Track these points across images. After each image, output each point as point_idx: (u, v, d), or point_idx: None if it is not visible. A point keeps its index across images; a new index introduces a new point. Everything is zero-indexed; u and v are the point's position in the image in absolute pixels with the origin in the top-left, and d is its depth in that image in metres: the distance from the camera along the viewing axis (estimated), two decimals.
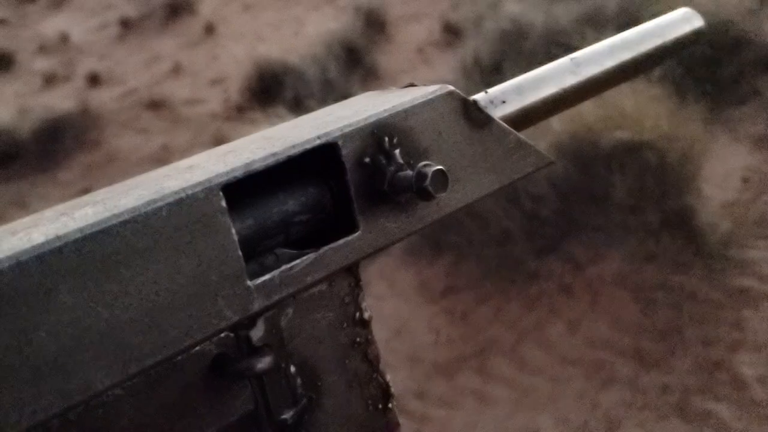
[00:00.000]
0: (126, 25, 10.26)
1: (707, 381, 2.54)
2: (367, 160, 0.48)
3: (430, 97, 0.52)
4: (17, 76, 9.45)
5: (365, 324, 0.51)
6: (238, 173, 0.43)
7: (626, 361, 2.70)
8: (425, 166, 0.48)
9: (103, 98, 7.74)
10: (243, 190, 0.45)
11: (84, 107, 7.25)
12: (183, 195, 0.40)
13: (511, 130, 0.57)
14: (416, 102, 0.51)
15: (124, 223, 0.38)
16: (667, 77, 3.65)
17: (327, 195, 0.49)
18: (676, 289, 2.89)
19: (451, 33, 6.30)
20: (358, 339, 0.51)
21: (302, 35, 7.82)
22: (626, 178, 3.13)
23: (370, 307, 0.52)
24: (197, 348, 0.42)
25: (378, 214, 0.49)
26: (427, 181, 0.47)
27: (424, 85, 0.55)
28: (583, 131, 3.23)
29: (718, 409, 2.44)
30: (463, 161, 0.54)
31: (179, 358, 0.41)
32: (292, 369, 0.47)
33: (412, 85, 0.56)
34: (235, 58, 7.70)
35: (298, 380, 0.47)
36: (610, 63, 0.65)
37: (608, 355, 2.74)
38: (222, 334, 0.43)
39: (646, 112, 3.26)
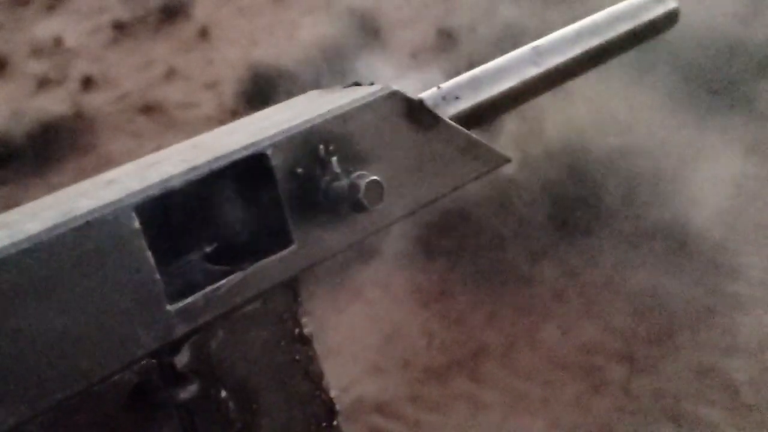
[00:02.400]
0: (120, 28, 10.23)
1: (699, 386, 2.54)
2: (300, 170, 0.45)
3: (370, 99, 0.48)
4: (10, 79, 9.42)
5: (306, 341, 0.48)
6: (154, 191, 0.40)
7: (619, 366, 2.70)
8: (359, 176, 0.45)
9: (96, 102, 7.72)
10: (167, 206, 0.42)
11: (78, 111, 7.23)
12: (90, 218, 0.37)
13: (462, 129, 0.53)
14: (355, 105, 0.48)
15: (26, 251, 0.35)
16: (660, 83, 3.66)
17: (259, 207, 0.45)
18: (669, 294, 2.90)
19: (446, 38, 6.30)
20: (297, 357, 0.48)
21: (296, 39, 7.81)
22: (619, 183, 3.14)
23: (309, 324, 0.49)
24: (115, 378, 0.39)
25: (314, 227, 0.46)
26: (361, 193, 0.44)
27: (368, 84, 0.51)
28: (576, 137, 3.24)
29: (710, 414, 2.44)
30: (408, 166, 0.50)
31: (96, 388, 0.38)
32: (224, 393, 0.44)
33: (356, 84, 0.53)
34: (230, 62, 7.69)
35: (231, 404, 0.44)
36: (575, 51, 0.60)
37: (601, 360, 2.74)
38: (144, 362, 0.40)
39: (638, 118, 3.27)
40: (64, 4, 11.90)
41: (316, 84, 6.19)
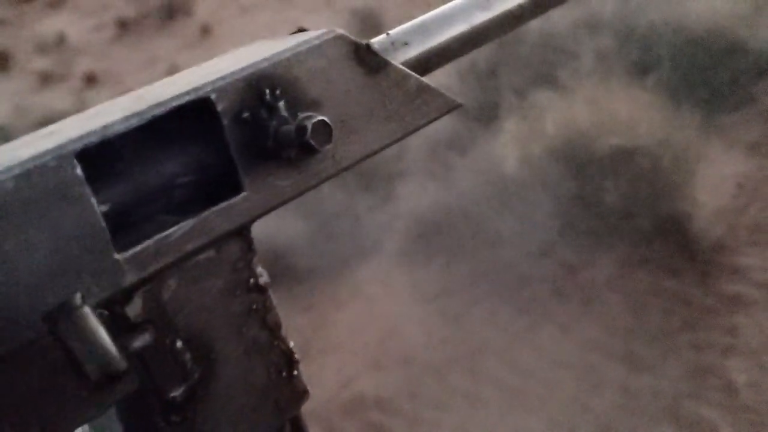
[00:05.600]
0: (123, 25, 10.25)
1: (699, 386, 2.55)
2: (246, 114, 0.44)
3: (316, 42, 0.48)
4: (14, 75, 9.44)
5: (262, 290, 0.48)
6: (94, 138, 0.39)
7: (618, 366, 2.71)
8: (306, 118, 0.45)
9: (99, 98, 7.73)
10: (114, 154, 0.41)
11: (81, 107, 7.22)
12: (31, 165, 0.37)
13: (411, 73, 0.52)
14: (300, 49, 0.47)
15: None
16: (662, 83, 3.67)
17: (209, 155, 0.45)
18: (669, 294, 2.90)
19: None
20: (254, 306, 0.47)
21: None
22: (620, 183, 3.14)
23: (264, 273, 0.48)
24: None
25: (266, 173, 0.45)
26: (308, 134, 0.44)
27: (314, 30, 0.51)
28: (577, 136, 3.24)
29: (709, 414, 2.45)
30: (358, 110, 0.49)
31: (45, 340, 0.37)
32: (179, 343, 0.44)
33: (302, 29, 0.52)
34: None
35: (187, 354, 0.44)
36: None
37: (600, 359, 2.75)
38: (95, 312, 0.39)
39: (640, 118, 3.27)
40: (68, 1, 11.91)
41: None
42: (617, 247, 3.10)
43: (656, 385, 2.59)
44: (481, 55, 5.02)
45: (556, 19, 5.00)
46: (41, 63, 9.51)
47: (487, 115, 3.96)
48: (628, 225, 3.12)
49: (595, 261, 3.10)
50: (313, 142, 0.44)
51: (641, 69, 3.72)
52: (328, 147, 0.45)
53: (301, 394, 0.50)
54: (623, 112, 3.27)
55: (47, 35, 10.53)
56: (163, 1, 10.05)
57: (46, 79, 8.87)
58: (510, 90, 3.96)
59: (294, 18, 8.80)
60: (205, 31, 9.14)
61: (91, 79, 8.43)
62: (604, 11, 4.81)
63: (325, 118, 0.44)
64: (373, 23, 7.10)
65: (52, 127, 0.44)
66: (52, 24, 11.07)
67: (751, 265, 2.94)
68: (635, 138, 3.18)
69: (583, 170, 3.21)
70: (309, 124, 0.44)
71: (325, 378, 2.90)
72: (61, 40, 10.35)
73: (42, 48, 10.18)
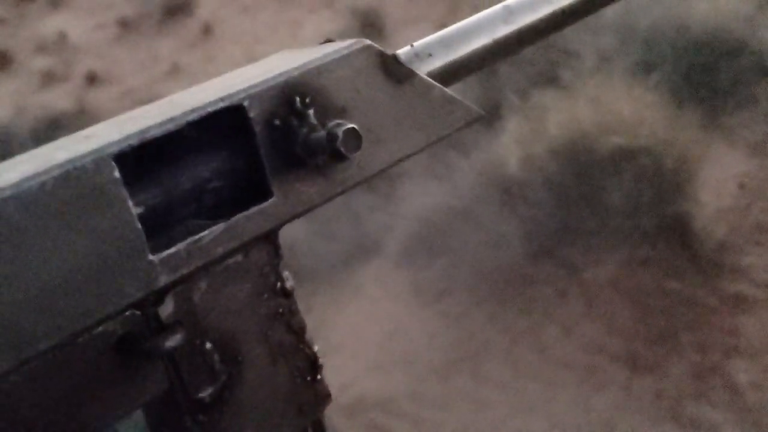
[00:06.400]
0: (124, 25, 10.25)
1: (701, 387, 2.54)
2: (277, 122, 0.46)
3: (344, 52, 0.49)
4: (15, 75, 9.44)
5: (287, 294, 0.49)
6: (132, 141, 0.40)
7: (620, 366, 2.70)
8: (336, 125, 0.46)
9: (101, 98, 7.74)
10: (147, 159, 0.43)
11: (82, 106, 7.24)
12: (70, 167, 0.38)
13: (435, 84, 0.54)
14: (330, 58, 0.49)
15: (5, 200, 0.36)
16: (664, 83, 3.66)
17: (239, 160, 0.46)
18: (671, 294, 2.90)
19: None
20: (280, 310, 0.49)
21: (300, 37, 7.82)
22: (622, 183, 3.14)
23: (290, 277, 0.50)
24: (100, 328, 0.39)
25: (294, 179, 0.46)
26: (339, 141, 0.45)
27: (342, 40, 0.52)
28: (580, 136, 3.24)
29: (712, 415, 2.44)
30: (384, 119, 0.51)
31: (80, 339, 0.39)
32: (208, 345, 0.45)
33: (329, 41, 0.53)
34: (233, 59, 7.69)
35: (216, 356, 0.45)
36: (547, 9, 0.61)
37: (602, 360, 2.74)
38: (128, 313, 0.41)
39: (642, 118, 3.27)
40: (69, 0, 11.92)
41: None
42: (619, 247, 3.10)
43: (659, 386, 2.59)
44: None
45: None
46: (42, 62, 9.51)
47: (489, 114, 3.96)
48: (630, 225, 3.11)
49: (598, 261, 3.10)
50: (343, 149, 0.45)
51: (644, 69, 3.71)
52: (357, 154, 0.46)
53: (325, 398, 0.52)
54: (626, 112, 3.27)
55: (48, 34, 10.53)
56: (164, 0, 10.05)
57: (47, 79, 8.87)
58: (512, 89, 3.95)
59: (295, 18, 8.80)
60: (207, 30, 9.14)
61: (92, 79, 8.44)
62: (606, 11, 4.80)
63: (355, 126, 0.46)
64: (374, 23, 7.10)
65: (86, 132, 0.45)
66: (52, 23, 11.08)
67: (754, 265, 2.94)
68: (638, 138, 3.18)
69: (585, 170, 3.21)
70: (340, 132, 0.45)
71: (326, 379, 2.90)
72: (61, 40, 10.35)
73: (42, 47, 10.18)
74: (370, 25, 7.00)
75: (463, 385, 2.82)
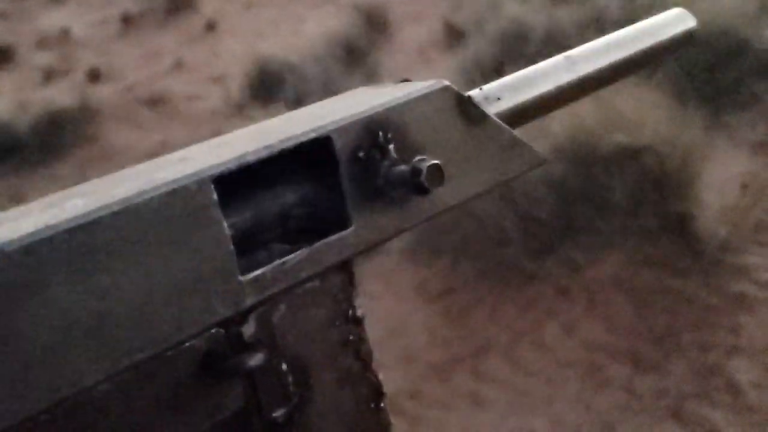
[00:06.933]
0: (127, 20, 10.26)
1: (703, 386, 2.54)
2: (361, 154, 0.47)
3: (425, 92, 0.51)
4: (17, 70, 9.45)
5: (358, 322, 0.51)
6: (231, 165, 0.42)
7: (622, 365, 2.70)
8: (420, 160, 0.48)
9: (103, 93, 7.74)
10: (236, 183, 0.44)
11: (84, 102, 7.24)
12: (176, 186, 0.40)
13: (507, 127, 0.56)
14: (411, 97, 0.50)
15: (116, 213, 0.37)
16: (668, 82, 3.66)
17: (322, 189, 0.48)
18: (673, 293, 2.89)
19: (453, 34, 6.30)
20: (350, 337, 0.50)
21: (303, 34, 7.81)
22: (625, 182, 3.13)
23: (363, 305, 0.51)
24: (187, 344, 0.41)
25: (371, 210, 0.48)
26: (423, 176, 0.47)
27: (420, 80, 0.54)
28: (583, 134, 3.23)
29: (713, 414, 2.44)
30: (457, 158, 0.53)
31: (169, 353, 0.40)
32: (284, 366, 0.46)
33: (406, 80, 0.56)
34: (236, 55, 7.69)
35: (290, 378, 0.47)
36: (604, 61, 0.65)
37: (604, 358, 2.74)
38: (212, 330, 0.42)
39: (645, 117, 3.26)
40: None
41: (323, 78, 6.19)
42: (622, 246, 3.10)
43: (660, 385, 2.59)
44: (485, 53, 5.02)
45: (562, 16, 4.99)
46: (44, 58, 9.52)
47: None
48: (632, 224, 3.11)
49: (600, 260, 3.10)
50: (426, 184, 0.47)
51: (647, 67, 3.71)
52: (438, 189, 0.48)
53: (386, 427, 0.52)
54: (629, 111, 3.26)
55: (50, 30, 10.54)
56: None
57: (49, 74, 8.88)
58: None
59: (298, 14, 8.80)
60: (210, 26, 9.15)
61: (94, 75, 8.44)
62: (609, 9, 4.80)
63: (438, 162, 0.48)
64: (378, 20, 7.10)
65: (179, 154, 0.47)
66: (55, 18, 11.09)
67: (756, 265, 2.94)
68: (640, 137, 3.18)
69: (588, 169, 3.20)
70: (424, 167, 0.47)
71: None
72: (64, 35, 10.36)
73: (45, 43, 10.19)
74: (373, 21, 7.01)
75: (464, 383, 2.82)
